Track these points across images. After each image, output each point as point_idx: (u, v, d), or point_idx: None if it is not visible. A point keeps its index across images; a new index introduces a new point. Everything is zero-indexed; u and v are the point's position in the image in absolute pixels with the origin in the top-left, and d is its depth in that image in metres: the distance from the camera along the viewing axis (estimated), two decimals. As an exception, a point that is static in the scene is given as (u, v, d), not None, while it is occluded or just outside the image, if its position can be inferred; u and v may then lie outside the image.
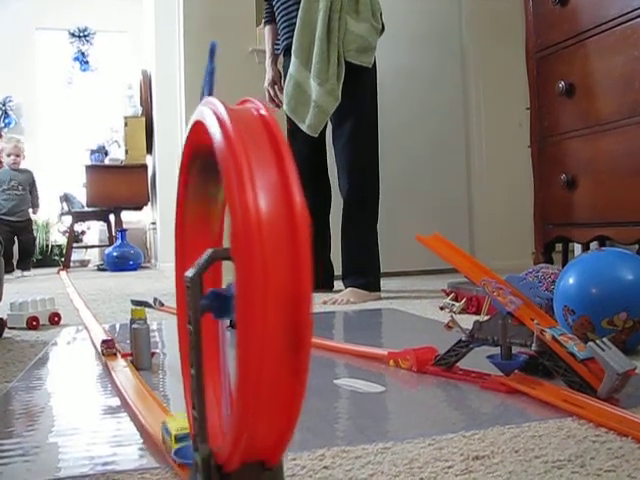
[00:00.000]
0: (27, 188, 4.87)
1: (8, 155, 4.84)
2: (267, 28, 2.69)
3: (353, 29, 2.34)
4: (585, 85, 2.07)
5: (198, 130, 0.51)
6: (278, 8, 2.55)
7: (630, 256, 1.26)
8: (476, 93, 3.60)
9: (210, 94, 0.53)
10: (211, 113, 0.47)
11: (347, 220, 2.46)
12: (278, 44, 2.65)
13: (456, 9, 3.63)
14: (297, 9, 2.40)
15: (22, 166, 4.95)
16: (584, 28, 2.05)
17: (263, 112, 0.47)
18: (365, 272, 2.43)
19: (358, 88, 2.40)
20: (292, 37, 2.41)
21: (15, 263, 4.78)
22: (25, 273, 4.73)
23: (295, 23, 2.39)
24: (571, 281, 1.24)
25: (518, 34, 2.65)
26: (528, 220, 2.46)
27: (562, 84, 2.12)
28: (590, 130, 2.06)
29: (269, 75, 2.67)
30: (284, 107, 2.45)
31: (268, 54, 2.69)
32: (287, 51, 2.51)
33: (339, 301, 2.30)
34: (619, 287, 1.18)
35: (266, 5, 2.68)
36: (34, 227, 5.15)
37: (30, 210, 4.95)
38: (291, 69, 2.41)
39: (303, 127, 2.41)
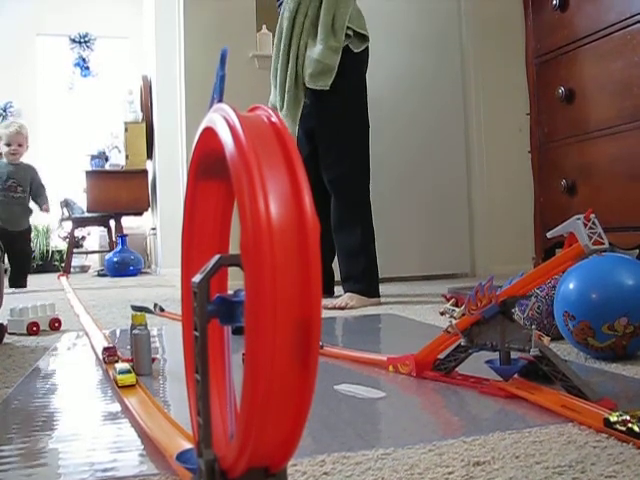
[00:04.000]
0: (27, 189, 3.85)
1: (7, 144, 3.75)
2: None
3: (309, 53, 2.39)
4: (585, 90, 2.08)
5: (208, 136, 0.51)
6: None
7: (630, 261, 1.26)
8: (476, 98, 3.60)
9: (220, 100, 0.53)
10: (222, 120, 0.47)
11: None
12: None
13: (456, 13, 3.64)
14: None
15: (23, 159, 3.92)
16: (584, 33, 2.05)
17: (274, 119, 0.48)
18: (364, 278, 2.44)
19: (325, 111, 2.45)
20: None
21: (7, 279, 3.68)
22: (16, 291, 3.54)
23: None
24: (571, 286, 1.24)
25: (518, 39, 2.66)
26: (528, 225, 2.46)
27: (562, 89, 2.13)
28: (590, 135, 2.06)
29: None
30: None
31: None
32: None
33: (338, 304, 2.30)
34: (619, 292, 1.18)
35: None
36: (32, 235, 4.26)
37: (30, 217, 4.01)
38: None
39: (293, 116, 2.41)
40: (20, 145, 3.78)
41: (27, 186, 3.85)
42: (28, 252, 4.06)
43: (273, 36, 3.61)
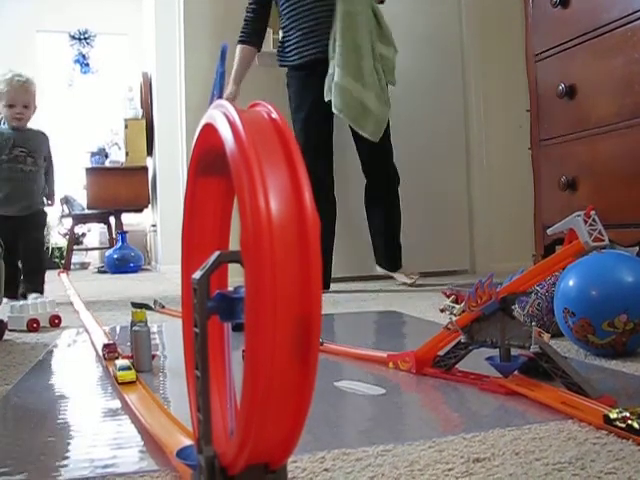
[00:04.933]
0: (40, 161, 2.83)
1: (10, 105, 2.69)
2: (247, 49, 2.80)
3: (384, 52, 2.73)
4: (585, 87, 2.07)
5: (208, 132, 0.51)
6: (292, 28, 2.73)
7: (630, 258, 1.26)
8: (476, 95, 3.60)
9: (220, 96, 0.53)
10: (222, 116, 0.47)
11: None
12: (283, 58, 2.79)
13: (456, 10, 3.63)
14: (315, 28, 2.67)
15: (30, 125, 2.82)
16: (584, 30, 2.05)
17: (274, 115, 0.48)
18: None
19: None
20: (315, 53, 2.67)
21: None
22: (32, 297, 2.20)
23: (315, 42, 2.67)
24: (571, 283, 1.24)
25: (518, 35, 2.66)
26: (528, 222, 2.46)
27: (562, 86, 2.12)
28: (590, 132, 2.06)
29: (231, 90, 2.75)
30: (338, 113, 2.64)
31: (237, 73, 2.79)
32: (307, 64, 2.70)
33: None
34: (619, 289, 1.18)
35: (247, 26, 2.80)
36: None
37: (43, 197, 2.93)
38: (341, 80, 2.60)
39: (364, 133, 2.67)
40: (26, 107, 2.72)
41: (40, 157, 2.83)
42: (41, 243, 2.92)
43: (273, 33, 3.62)
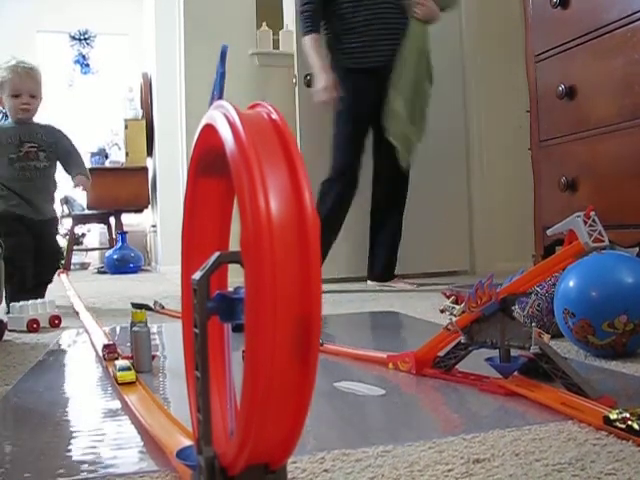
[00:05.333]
0: (53, 155, 2.47)
1: (15, 95, 2.39)
2: (317, 36, 2.82)
3: (427, 90, 2.91)
4: (585, 88, 2.07)
5: (208, 133, 0.51)
6: (357, 30, 2.77)
7: (630, 259, 1.26)
8: (476, 95, 3.60)
9: (220, 97, 0.53)
10: (222, 117, 0.47)
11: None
12: (344, 58, 2.81)
13: (456, 11, 3.62)
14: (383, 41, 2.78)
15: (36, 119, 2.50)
16: (584, 31, 2.05)
17: (274, 116, 0.48)
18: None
19: None
20: (380, 60, 2.76)
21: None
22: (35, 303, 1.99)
23: (381, 48, 2.77)
24: (571, 284, 1.24)
25: (518, 36, 2.66)
26: (528, 222, 2.46)
27: (562, 87, 2.12)
28: (590, 133, 2.05)
29: (328, 78, 2.76)
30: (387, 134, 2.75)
31: (323, 61, 2.80)
32: (360, 71, 2.78)
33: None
34: (619, 290, 1.18)
35: (311, 16, 2.79)
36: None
37: (51, 198, 2.57)
38: (399, 107, 2.74)
39: (400, 156, 2.79)
40: (33, 96, 2.42)
41: (53, 151, 2.47)
42: (58, 251, 2.74)
43: (273, 33, 3.62)
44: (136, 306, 2.24)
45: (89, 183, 2.61)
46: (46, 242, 2.45)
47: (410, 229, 3.31)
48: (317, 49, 2.80)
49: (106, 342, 1.34)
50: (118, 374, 1.09)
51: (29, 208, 2.39)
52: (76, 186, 2.58)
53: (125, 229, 5.47)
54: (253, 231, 0.41)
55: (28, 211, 2.38)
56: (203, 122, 0.52)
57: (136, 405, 0.95)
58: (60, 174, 2.55)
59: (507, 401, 0.95)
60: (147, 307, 2.25)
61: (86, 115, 6.64)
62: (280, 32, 3.63)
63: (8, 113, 2.45)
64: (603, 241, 0.92)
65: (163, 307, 2.27)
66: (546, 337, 0.97)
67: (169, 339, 1.69)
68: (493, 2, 3.58)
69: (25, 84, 2.40)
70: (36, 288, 2.36)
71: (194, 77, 3.38)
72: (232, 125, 0.46)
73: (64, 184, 2.69)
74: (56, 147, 2.48)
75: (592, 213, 0.93)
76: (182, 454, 0.62)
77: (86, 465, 0.75)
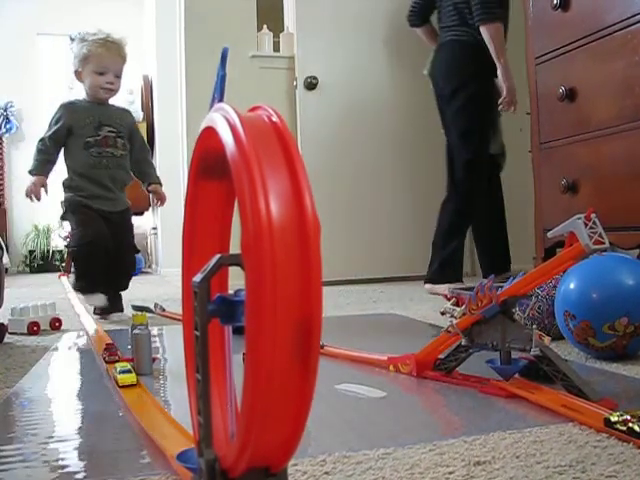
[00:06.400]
0: (127, 144, 2.26)
1: (100, 72, 2.18)
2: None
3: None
4: (586, 90, 2.07)
5: (208, 136, 0.51)
6: None
7: (631, 261, 1.26)
8: (476, 98, 3.59)
9: (221, 100, 0.53)
10: (223, 120, 0.47)
11: None
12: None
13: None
14: None
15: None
16: (584, 33, 2.05)
17: (275, 118, 0.48)
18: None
19: None
20: None
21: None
22: (115, 316, 2.18)
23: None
24: (572, 286, 1.24)
25: (519, 38, 2.66)
26: (529, 225, 2.46)
27: (563, 89, 2.12)
28: (590, 135, 2.05)
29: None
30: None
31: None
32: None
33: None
34: (620, 292, 1.18)
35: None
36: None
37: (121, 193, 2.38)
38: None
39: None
40: (118, 77, 2.23)
41: (128, 139, 2.26)
42: (133, 247, 2.42)
43: (274, 36, 3.62)
44: (137, 308, 2.24)
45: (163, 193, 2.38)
46: (122, 234, 2.27)
47: (410, 230, 3.32)
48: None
49: (106, 345, 1.34)
50: (119, 377, 1.09)
51: (103, 198, 2.20)
52: (157, 199, 2.41)
53: (126, 231, 5.45)
54: (254, 233, 0.41)
55: (102, 201, 2.20)
56: (204, 125, 0.52)
57: (136, 408, 0.95)
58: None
59: (508, 403, 0.95)
60: (148, 309, 2.25)
61: (87, 117, 6.64)
62: (281, 35, 3.63)
63: (87, 90, 2.19)
64: (604, 243, 0.92)
65: (164, 309, 2.27)
66: (547, 339, 0.97)
67: (170, 341, 1.69)
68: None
69: (114, 62, 2.21)
70: (114, 294, 2.23)
71: (195, 80, 3.38)
72: (233, 128, 0.46)
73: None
74: (131, 138, 2.27)
75: (593, 215, 0.93)
76: (183, 457, 0.62)
77: (86, 468, 0.75)
